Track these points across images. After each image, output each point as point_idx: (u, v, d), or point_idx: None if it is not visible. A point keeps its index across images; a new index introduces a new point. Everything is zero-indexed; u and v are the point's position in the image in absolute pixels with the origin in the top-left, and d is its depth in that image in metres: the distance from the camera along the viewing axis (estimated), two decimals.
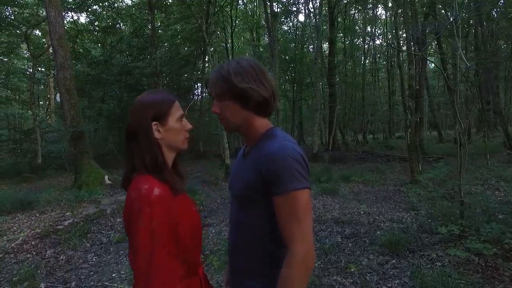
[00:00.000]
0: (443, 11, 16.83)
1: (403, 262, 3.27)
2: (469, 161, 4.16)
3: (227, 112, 1.03)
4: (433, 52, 22.49)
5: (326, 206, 5.90)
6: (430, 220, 4.44)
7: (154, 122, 0.98)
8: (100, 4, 16.71)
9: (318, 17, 15.37)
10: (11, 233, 4.94)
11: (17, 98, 20.23)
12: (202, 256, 3.72)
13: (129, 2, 20.14)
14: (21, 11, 15.23)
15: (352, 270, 3.17)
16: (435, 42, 16.88)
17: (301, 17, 33.78)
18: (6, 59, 18.27)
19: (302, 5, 19.04)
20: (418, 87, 8.05)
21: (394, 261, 3.32)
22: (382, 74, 30.47)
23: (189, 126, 1.06)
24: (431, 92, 21.58)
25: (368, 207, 5.69)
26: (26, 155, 16.58)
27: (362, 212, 5.37)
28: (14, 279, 3.26)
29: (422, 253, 3.44)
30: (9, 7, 15.59)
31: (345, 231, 4.45)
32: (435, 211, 4.56)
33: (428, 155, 12.13)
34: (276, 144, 0.95)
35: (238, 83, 0.97)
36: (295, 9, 19.83)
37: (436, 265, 3.15)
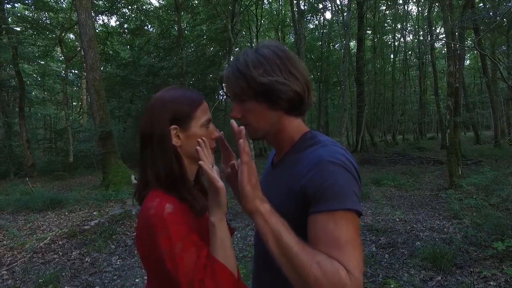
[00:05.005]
0: (481, 4, 15.87)
1: (450, 280, 2.92)
2: None
3: (250, 116, 0.80)
4: (469, 49, 21.20)
5: None
6: (476, 231, 4.01)
7: (173, 126, 0.78)
8: (129, 7, 17.14)
9: (346, 13, 14.88)
10: (41, 231, 5.03)
11: (52, 99, 21.19)
12: None
13: (157, 4, 20.55)
14: (56, 15, 15.88)
15: (392, 286, 2.86)
16: (472, 37, 15.86)
17: (328, 15, 33.13)
18: (42, 62, 19.20)
19: (329, 1, 18.56)
20: (457, 85, 7.47)
21: (439, 277, 2.97)
22: (412, 72, 29.22)
23: (217, 134, 0.85)
24: (467, 91, 20.37)
25: (403, 213, 5.29)
26: (59, 153, 17.32)
27: (397, 219, 4.99)
28: (40, 280, 3.23)
29: (471, 269, 3.06)
30: (45, 12, 16.38)
31: (380, 240, 4.12)
32: (483, 222, 4.12)
33: (466, 157, 11.35)
34: (325, 150, 0.73)
35: (260, 77, 0.74)
36: (321, 6, 19.37)
37: (490, 284, 2.78)
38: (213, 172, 0.71)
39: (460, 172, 6.92)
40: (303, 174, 0.72)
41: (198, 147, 0.75)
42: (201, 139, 0.78)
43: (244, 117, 0.81)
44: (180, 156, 0.80)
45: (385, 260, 3.48)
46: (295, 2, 12.69)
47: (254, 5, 17.44)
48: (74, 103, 28.42)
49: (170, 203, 0.72)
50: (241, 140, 0.66)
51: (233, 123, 0.73)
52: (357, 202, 0.69)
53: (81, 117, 22.27)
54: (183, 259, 0.68)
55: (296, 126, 0.83)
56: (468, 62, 30.24)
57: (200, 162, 0.71)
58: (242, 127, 0.69)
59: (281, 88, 0.75)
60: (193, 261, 0.68)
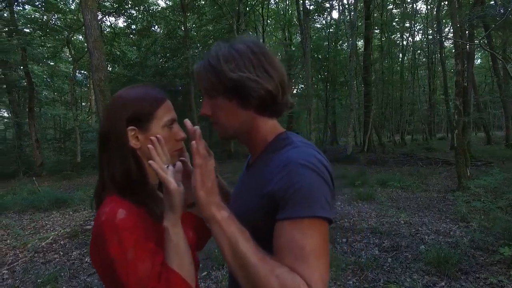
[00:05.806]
0: (492, 2, 15.54)
1: (455, 286, 2.82)
2: None
3: (220, 113, 0.75)
4: (476, 47, 20.75)
5: (361, 214, 5.46)
6: (484, 235, 3.89)
7: (130, 127, 0.73)
8: (136, 8, 17.29)
9: (353, 12, 14.72)
10: (44, 231, 5.07)
11: (62, 99, 21.46)
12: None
13: (163, 5, 20.68)
14: (64, 17, 16.08)
15: None
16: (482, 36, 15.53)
17: (335, 14, 32.90)
18: (51, 63, 19.49)
19: (336, 1, 18.41)
20: (466, 84, 7.29)
21: (443, 283, 2.88)
22: (421, 71, 28.78)
23: (182, 135, 0.79)
24: (478, 90, 19.96)
25: (409, 216, 5.17)
26: (68, 153, 17.51)
27: (402, 222, 4.88)
28: (38, 281, 3.23)
29: (477, 275, 2.96)
30: (54, 14, 16.60)
31: (383, 243, 4.02)
32: (491, 225, 3.99)
33: (476, 158, 11.10)
34: (296, 151, 0.67)
35: (230, 72, 0.70)
36: (328, 5, 19.22)
37: None
38: (166, 173, 0.66)
39: (468, 174, 6.75)
40: (271, 177, 0.66)
41: (149, 145, 0.70)
42: (155, 137, 0.73)
43: (214, 114, 0.76)
44: (140, 158, 0.75)
45: (388, 264, 3.39)
46: (301, 1, 12.59)
47: (260, 5, 17.40)
48: (83, 104, 28.78)
49: (124, 208, 0.68)
50: (193, 142, 0.62)
51: (188, 122, 0.69)
52: (327, 209, 0.63)
53: (89, 117, 22.51)
54: (137, 266, 0.63)
55: (270, 126, 0.77)
56: (479, 61, 29.70)
57: (150, 161, 0.67)
58: (197, 127, 0.65)
59: (252, 85, 0.70)
60: (148, 269, 0.64)
